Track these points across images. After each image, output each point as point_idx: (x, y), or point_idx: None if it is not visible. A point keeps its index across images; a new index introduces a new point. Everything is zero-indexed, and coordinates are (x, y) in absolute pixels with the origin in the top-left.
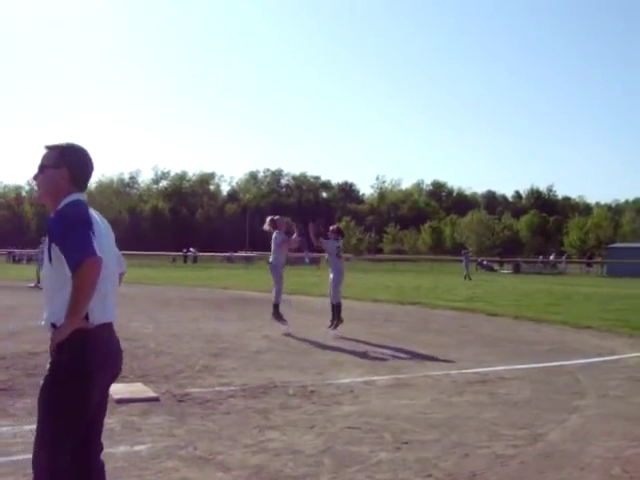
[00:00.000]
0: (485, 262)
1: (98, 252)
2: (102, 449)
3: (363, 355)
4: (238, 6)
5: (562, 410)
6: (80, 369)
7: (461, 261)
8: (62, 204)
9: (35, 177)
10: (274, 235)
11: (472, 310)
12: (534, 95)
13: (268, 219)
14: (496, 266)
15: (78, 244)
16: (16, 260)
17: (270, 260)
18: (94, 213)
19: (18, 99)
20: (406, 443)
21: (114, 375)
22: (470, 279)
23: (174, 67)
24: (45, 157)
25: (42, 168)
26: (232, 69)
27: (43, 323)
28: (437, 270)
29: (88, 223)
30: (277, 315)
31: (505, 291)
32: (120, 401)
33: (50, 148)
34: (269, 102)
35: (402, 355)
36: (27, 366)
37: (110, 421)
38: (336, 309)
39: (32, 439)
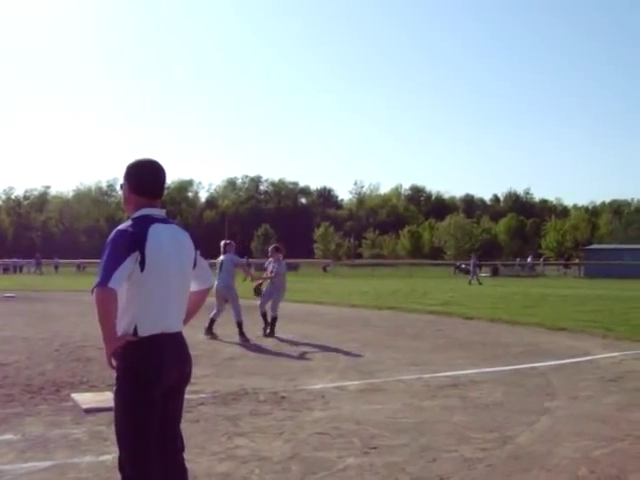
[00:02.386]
0: (463, 266)
1: (112, 283)
2: (183, 449)
3: (336, 360)
4: (216, 13)
5: (532, 412)
6: (131, 377)
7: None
8: (130, 218)
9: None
10: (227, 257)
11: (448, 314)
12: (510, 97)
13: (223, 243)
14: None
15: (101, 269)
16: None
17: (217, 283)
18: (162, 228)
19: None
20: (375, 448)
21: (178, 383)
22: (480, 283)
23: (153, 74)
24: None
25: (121, 186)
26: (209, 76)
27: None
28: (416, 275)
29: (131, 245)
30: (242, 334)
31: (482, 294)
32: (88, 410)
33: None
34: (247, 108)
35: (375, 360)
36: None
37: (76, 431)
38: (273, 320)
39: None
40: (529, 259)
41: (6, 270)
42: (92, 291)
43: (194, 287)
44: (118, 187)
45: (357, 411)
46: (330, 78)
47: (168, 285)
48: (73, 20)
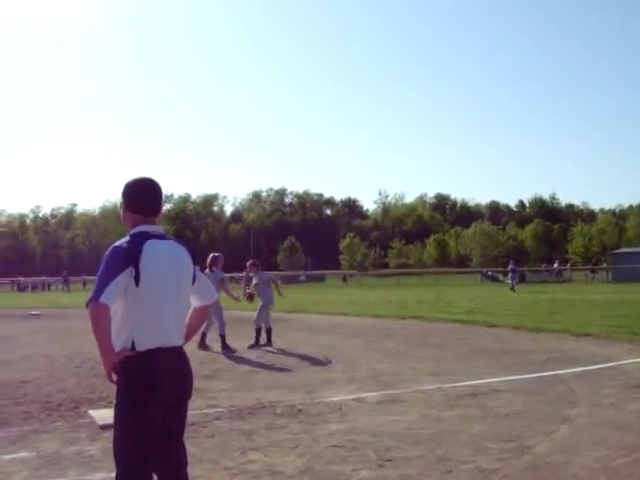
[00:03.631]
0: (490, 273)
1: (104, 298)
2: (185, 464)
3: (356, 372)
4: (236, 28)
5: (552, 421)
6: (131, 391)
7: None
8: (128, 234)
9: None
10: (214, 273)
11: (472, 322)
12: (535, 104)
13: (210, 256)
14: (501, 276)
15: (95, 285)
16: (20, 289)
17: None
18: (158, 243)
19: (19, 126)
20: (390, 460)
21: (178, 397)
22: (514, 290)
23: (175, 90)
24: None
25: (120, 204)
26: (233, 91)
27: None
28: (442, 283)
29: (125, 261)
30: (225, 346)
31: (508, 301)
32: (104, 427)
33: None
34: (271, 122)
35: (396, 370)
36: (16, 395)
37: (91, 448)
38: (257, 332)
39: (12, 469)
40: (556, 264)
41: (34, 288)
42: (86, 306)
43: (196, 303)
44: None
45: (374, 423)
46: (353, 90)
47: (165, 300)
48: (90, 36)
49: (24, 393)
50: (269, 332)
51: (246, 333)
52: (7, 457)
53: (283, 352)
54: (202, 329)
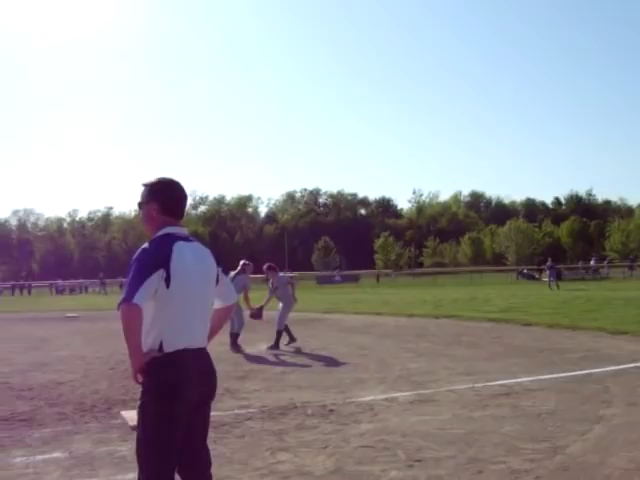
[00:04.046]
0: (525, 271)
1: (137, 299)
2: (209, 466)
3: (389, 372)
4: (268, 30)
5: (586, 420)
6: (157, 392)
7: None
8: (154, 236)
9: (138, 214)
10: (240, 277)
11: (507, 321)
12: (570, 99)
13: (242, 263)
14: (537, 275)
15: (127, 286)
16: (58, 291)
17: None
18: (186, 245)
19: (54, 131)
20: (419, 461)
21: (203, 398)
22: (558, 288)
23: (208, 92)
24: (140, 194)
25: (139, 205)
26: (267, 93)
27: None
28: (477, 282)
29: (157, 262)
30: (235, 345)
31: (543, 299)
32: (135, 427)
33: (143, 186)
34: (304, 122)
35: (429, 370)
36: (51, 396)
37: (122, 448)
38: (278, 334)
39: (45, 469)
40: (592, 262)
41: (72, 291)
42: (118, 307)
43: (217, 304)
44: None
45: (405, 423)
46: (386, 90)
47: (192, 301)
48: (113, 41)
49: (59, 394)
50: (287, 330)
51: (270, 334)
52: (40, 457)
53: (314, 352)
54: (233, 331)
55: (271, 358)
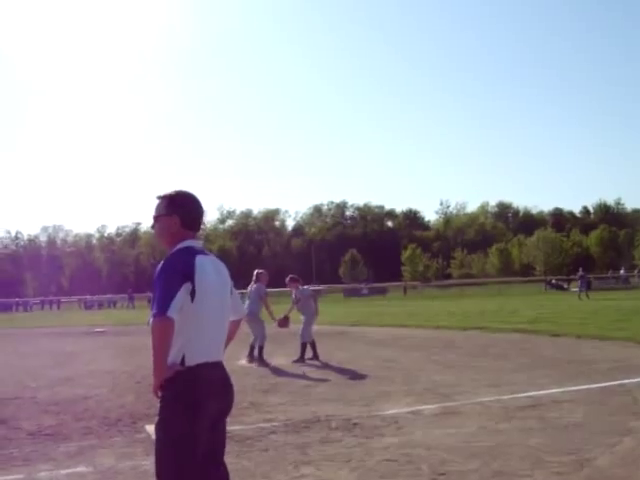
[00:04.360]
0: (554, 281)
1: (171, 312)
2: (227, 477)
3: (414, 384)
4: (295, 44)
5: (614, 433)
6: (179, 406)
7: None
8: (174, 249)
9: (153, 227)
10: (256, 287)
11: (535, 332)
12: (597, 107)
13: (256, 272)
14: (566, 285)
15: (158, 299)
16: (87, 307)
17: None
18: (206, 259)
19: (84, 151)
20: (443, 474)
21: (222, 411)
22: (588, 298)
23: (234, 107)
24: (157, 207)
25: (156, 218)
26: (292, 106)
27: None
28: (505, 293)
29: (183, 275)
30: (261, 360)
31: (572, 310)
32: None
33: (161, 198)
34: (330, 135)
35: (455, 382)
36: (77, 410)
37: (146, 462)
38: (302, 347)
39: None
40: (622, 271)
41: (101, 306)
42: (148, 322)
43: (230, 317)
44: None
45: (429, 436)
46: (412, 102)
47: (214, 315)
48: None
49: (85, 409)
50: (314, 345)
51: (296, 347)
52: (64, 472)
53: (340, 365)
54: (256, 344)
55: (296, 371)
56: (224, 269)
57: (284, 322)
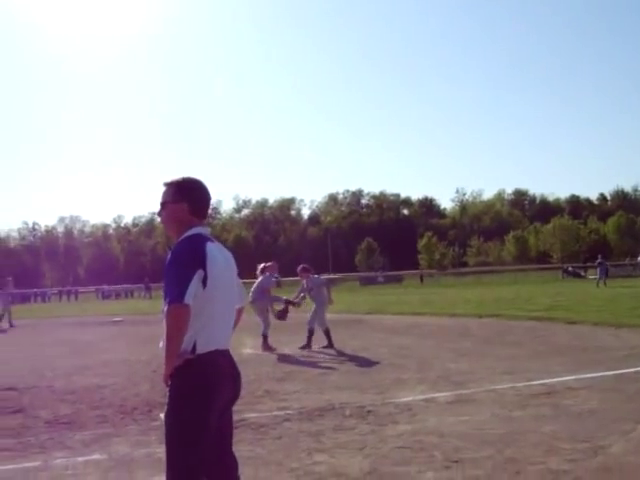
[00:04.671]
0: (571, 269)
1: (187, 299)
2: (237, 467)
3: (429, 372)
4: (305, 35)
5: (629, 420)
6: (189, 394)
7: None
8: (183, 236)
9: (159, 214)
10: (263, 278)
11: (551, 319)
12: (613, 94)
13: (261, 266)
14: (583, 272)
15: (172, 286)
16: (104, 296)
17: (252, 298)
18: (214, 246)
19: (101, 143)
20: (456, 462)
21: (231, 399)
22: (605, 285)
23: (249, 97)
24: (165, 193)
25: (164, 204)
26: (306, 94)
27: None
28: (521, 280)
29: (196, 263)
30: (266, 345)
31: (589, 297)
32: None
33: (169, 184)
34: (344, 123)
35: (469, 370)
36: (93, 399)
37: (159, 450)
38: (309, 333)
39: (84, 471)
40: (639, 258)
41: (118, 295)
42: (165, 308)
43: (235, 305)
44: (158, 209)
45: (443, 423)
46: (427, 87)
47: (223, 302)
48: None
49: (101, 397)
50: (328, 333)
51: (320, 334)
52: (80, 459)
53: (354, 353)
54: (267, 331)
55: (311, 359)
56: (230, 257)
57: (283, 314)
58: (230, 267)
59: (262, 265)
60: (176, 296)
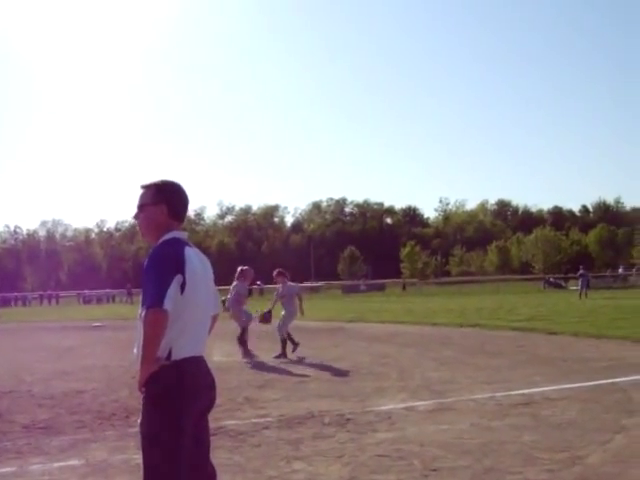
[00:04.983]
0: (552, 279)
1: (166, 303)
2: (215, 476)
3: (409, 380)
4: (293, 41)
5: (607, 430)
6: (165, 401)
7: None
8: (161, 240)
9: (136, 216)
10: (237, 284)
11: (532, 330)
12: (597, 108)
13: (239, 269)
14: (564, 283)
15: (151, 290)
16: (86, 301)
17: (228, 302)
18: (192, 251)
19: (83, 146)
20: (435, 470)
21: (207, 407)
22: (586, 297)
23: (234, 103)
24: (143, 196)
25: (141, 207)
26: (290, 102)
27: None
28: (503, 290)
29: (175, 267)
30: (245, 351)
31: (570, 308)
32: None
33: (146, 187)
34: (329, 132)
35: (450, 379)
36: (72, 405)
37: (137, 456)
38: (283, 342)
39: (60, 476)
40: (621, 270)
41: (99, 300)
42: (141, 314)
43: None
44: (133, 213)
45: (422, 432)
46: (410, 97)
47: (201, 308)
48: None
49: (79, 403)
50: (284, 342)
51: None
52: (57, 465)
53: (335, 361)
54: (242, 338)
55: (291, 367)
56: (207, 262)
57: (266, 318)
58: (207, 273)
59: (241, 268)
60: (155, 301)
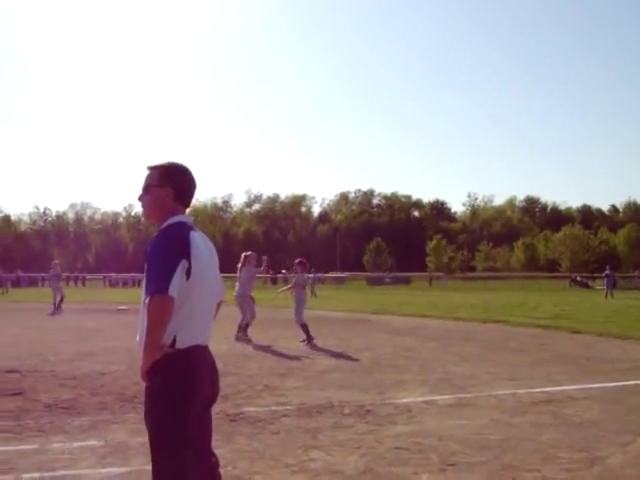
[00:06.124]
0: (579, 278)
1: (171, 290)
2: (218, 465)
3: (430, 374)
4: (317, 30)
5: (629, 432)
6: (169, 392)
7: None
8: (165, 224)
9: (140, 198)
10: (245, 269)
11: (556, 328)
12: (626, 106)
13: (243, 255)
14: (591, 282)
15: (156, 275)
16: (112, 284)
17: (236, 290)
18: (197, 235)
19: (112, 127)
20: (453, 465)
21: (211, 396)
22: (612, 297)
23: (265, 92)
24: (149, 177)
25: (147, 188)
26: (320, 92)
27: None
28: (529, 288)
29: (180, 252)
30: (244, 335)
31: (595, 307)
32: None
33: (153, 168)
34: (359, 122)
35: (471, 374)
36: (94, 386)
37: None
38: (303, 328)
39: (80, 456)
40: None
41: (125, 284)
42: (145, 300)
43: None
44: (139, 194)
45: (441, 426)
46: (444, 92)
47: (206, 296)
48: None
49: (102, 384)
50: (304, 327)
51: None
52: (77, 444)
53: (358, 352)
54: (244, 322)
55: (314, 356)
56: (213, 248)
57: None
58: (213, 259)
59: (245, 254)
60: (160, 287)
